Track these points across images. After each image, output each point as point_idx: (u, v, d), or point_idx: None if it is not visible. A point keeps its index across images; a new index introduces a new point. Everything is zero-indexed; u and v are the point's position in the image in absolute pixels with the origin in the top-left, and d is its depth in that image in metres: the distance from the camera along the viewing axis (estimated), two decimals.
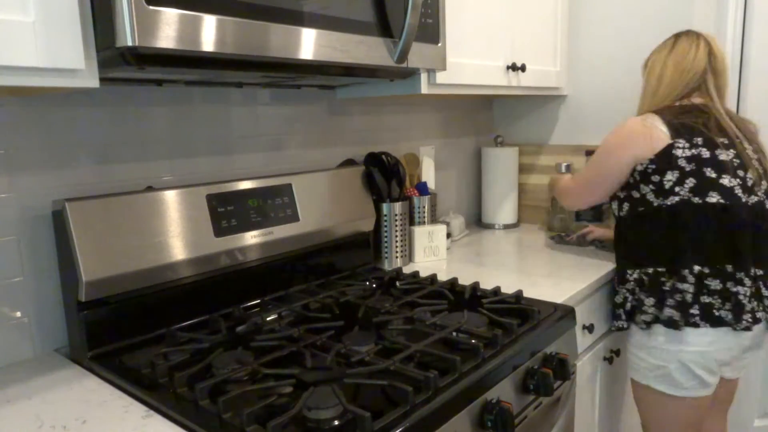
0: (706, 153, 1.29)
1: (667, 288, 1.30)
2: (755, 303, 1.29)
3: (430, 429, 0.84)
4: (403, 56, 1.13)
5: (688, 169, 1.28)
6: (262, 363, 0.95)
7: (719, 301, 1.27)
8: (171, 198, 1.13)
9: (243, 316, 1.20)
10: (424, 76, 1.36)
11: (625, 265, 1.41)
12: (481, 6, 1.56)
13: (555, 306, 1.25)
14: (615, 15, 1.92)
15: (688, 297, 1.28)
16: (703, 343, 1.29)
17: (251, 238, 1.24)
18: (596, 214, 1.82)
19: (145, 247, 1.07)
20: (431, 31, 1.22)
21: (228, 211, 1.21)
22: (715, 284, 1.27)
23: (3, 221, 1.02)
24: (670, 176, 1.29)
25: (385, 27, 1.11)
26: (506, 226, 2.12)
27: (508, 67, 1.67)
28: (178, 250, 1.12)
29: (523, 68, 1.71)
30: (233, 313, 1.21)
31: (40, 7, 0.72)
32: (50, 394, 0.93)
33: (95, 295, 1.02)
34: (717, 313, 1.27)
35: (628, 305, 1.39)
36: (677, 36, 1.43)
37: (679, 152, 1.28)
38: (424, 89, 1.37)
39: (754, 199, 1.30)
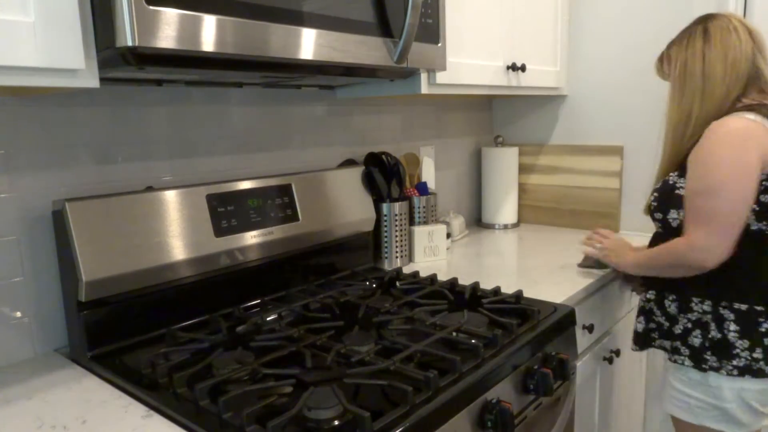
0: None
1: (764, 330, 1.11)
2: None
3: (430, 429, 0.84)
4: (403, 56, 1.13)
5: None
6: (262, 363, 0.95)
7: None
8: (171, 198, 1.13)
9: (243, 316, 1.20)
10: (424, 76, 1.36)
11: (690, 291, 1.18)
12: (481, 6, 1.56)
13: (555, 306, 1.25)
14: (615, 15, 1.92)
15: None
16: (755, 385, 1.15)
17: (251, 238, 1.24)
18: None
19: (145, 247, 1.07)
20: (431, 31, 1.22)
21: (228, 211, 1.21)
22: None
23: (3, 221, 1.02)
24: None
25: (385, 27, 1.11)
26: (506, 226, 2.12)
27: (508, 67, 1.67)
28: (178, 250, 1.12)
29: (523, 68, 1.71)
30: (233, 313, 1.21)
31: (40, 7, 0.72)
32: (50, 394, 0.93)
33: (95, 295, 1.02)
34: None
35: (693, 341, 1.18)
36: (703, 22, 1.21)
37: None
38: (424, 89, 1.37)
39: None
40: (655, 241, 1.28)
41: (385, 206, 1.58)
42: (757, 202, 1.10)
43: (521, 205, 2.20)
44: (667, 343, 1.26)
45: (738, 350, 1.13)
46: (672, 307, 1.24)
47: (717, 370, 1.16)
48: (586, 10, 1.97)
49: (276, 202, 1.30)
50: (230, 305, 1.24)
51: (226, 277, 1.23)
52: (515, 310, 1.22)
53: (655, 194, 1.26)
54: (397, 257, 1.61)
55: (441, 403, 0.86)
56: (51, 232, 1.07)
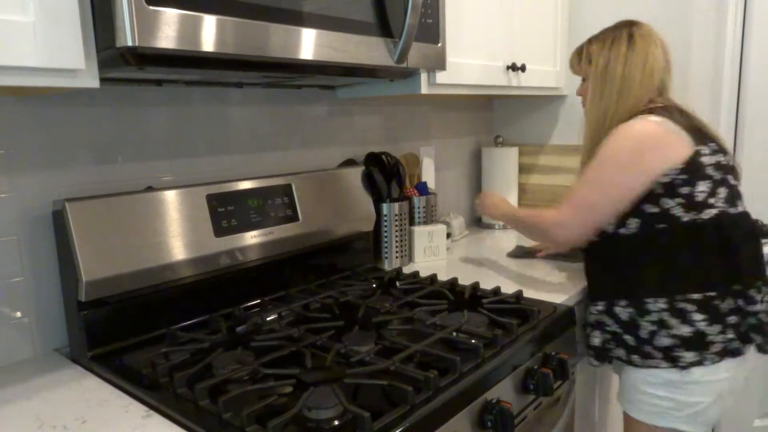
0: (724, 159, 1.18)
1: (725, 311, 1.14)
2: None
3: (430, 429, 0.84)
4: (403, 56, 1.13)
5: (717, 177, 1.15)
6: (262, 363, 0.95)
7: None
8: (171, 198, 1.13)
9: (243, 316, 1.20)
10: (424, 76, 1.36)
11: (641, 293, 1.18)
12: (481, 6, 1.56)
13: (555, 306, 1.25)
14: (615, 15, 1.91)
15: (764, 317, 1.13)
16: (730, 369, 1.16)
17: (251, 238, 1.24)
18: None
19: (145, 247, 1.07)
20: (431, 31, 1.22)
21: (228, 211, 1.21)
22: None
23: (3, 221, 1.02)
24: (702, 187, 1.13)
25: (385, 27, 1.11)
26: (506, 227, 2.12)
27: (508, 67, 1.67)
28: (178, 250, 1.12)
29: (523, 68, 1.71)
30: (233, 313, 1.21)
31: (40, 7, 0.72)
32: (50, 394, 0.93)
33: (95, 295, 1.02)
34: None
35: (662, 340, 1.16)
36: (629, 27, 1.28)
37: (705, 159, 1.14)
38: (424, 89, 1.37)
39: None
40: (590, 252, 1.29)
41: (385, 206, 1.58)
42: (681, 195, 1.13)
43: (521, 206, 2.20)
44: (621, 352, 1.23)
45: (712, 336, 1.14)
46: (624, 314, 1.21)
47: (700, 363, 1.15)
48: (586, 10, 1.97)
49: (276, 202, 1.30)
50: (230, 305, 1.24)
51: (226, 277, 1.23)
52: (515, 310, 1.22)
53: None
54: (397, 257, 1.61)
55: (441, 403, 0.86)
56: (51, 232, 1.07)
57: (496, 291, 1.32)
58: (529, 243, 1.76)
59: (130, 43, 0.75)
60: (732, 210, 1.16)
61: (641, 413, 1.23)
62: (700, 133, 1.18)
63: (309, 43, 0.97)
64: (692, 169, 1.13)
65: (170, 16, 0.78)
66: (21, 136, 1.03)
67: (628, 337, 1.21)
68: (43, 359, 1.06)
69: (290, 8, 0.93)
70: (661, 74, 1.26)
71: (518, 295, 1.28)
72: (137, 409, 0.86)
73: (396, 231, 1.60)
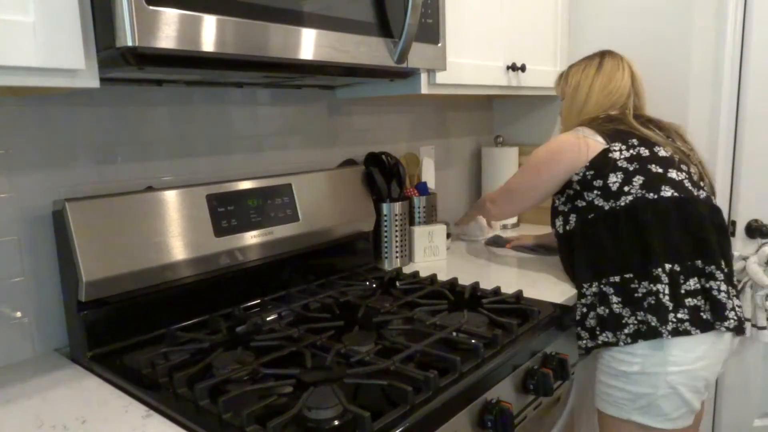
0: (645, 151, 1.28)
1: (640, 294, 1.19)
2: (735, 301, 1.21)
3: (430, 429, 0.84)
4: (403, 56, 1.13)
5: (631, 168, 1.26)
6: (262, 363, 0.95)
7: (702, 301, 1.18)
8: (171, 198, 1.13)
9: (243, 316, 1.20)
10: (424, 76, 1.36)
11: (580, 280, 1.30)
12: (481, 6, 1.56)
13: (555, 306, 1.25)
14: (615, 15, 1.92)
15: (666, 300, 1.16)
16: (689, 360, 1.16)
17: (251, 238, 1.24)
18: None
19: (145, 247, 1.07)
20: (431, 31, 1.22)
21: (228, 211, 1.21)
22: (691, 283, 1.18)
23: (3, 221, 1.02)
24: (614, 178, 1.26)
25: (385, 27, 1.11)
26: (506, 227, 2.12)
27: (508, 67, 1.67)
28: (178, 250, 1.12)
29: (523, 68, 1.71)
30: (233, 313, 1.21)
31: (40, 7, 0.72)
32: (50, 394, 0.93)
33: (95, 295, 1.02)
34: (704, 316, 1.17)
35: (589, 323, 1.25)
36: (602, 55, 1.45)
37: (616, 155, 1.27)
38: (424, 89, 1.37)
39: (702, 194, 1.27)
40: (566, 246, 1.40)
41: (385, 206, 1.58)
42: (596, 187, 1.28)
43: None
44: (579, 332, 1.30)
45: (625, 319, 1.21)
46: (575, 301, 1.33)
47: (615, 344, 1.21)
48: (586, 10, 1.97)
49: (276, 202, 1.30)
50: (230, 305, 1.24)
51: (226, 277, 1.23)
52: (515, 310, 1.22)
53: (560, 222, 1.42)
54: (397, 257, 1.61)
55: (441, 403, 0.86)
56: (51, 232, 1.07)
57: (496, 291, 1.32)
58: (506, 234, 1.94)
59: (130, 43, 0.75)
60: (651, 195, 1.24)
61: (601, 403, 1.29)
62: (618, 133, 1.31)
63: (309, 43, 0.97)
64: (601, 164, 1.28)
65: (170, 16, 0.78)
66: (21, 136, 1.03)
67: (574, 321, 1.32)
68: (43, 359, 1.06)
69: (290, 8, 0.93)
70: (621, 96, 1.41)
71: (518, 295, 1.28)
72: (137, 409, 0.86)
73: (396, 231, 1.60)
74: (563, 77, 1.52)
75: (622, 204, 1.24)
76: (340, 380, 0.88)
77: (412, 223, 1.68)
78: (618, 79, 1.40)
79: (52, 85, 0.76)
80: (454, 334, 1.07)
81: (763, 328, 1.26)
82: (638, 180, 1.25)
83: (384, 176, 1.58)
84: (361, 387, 0.90)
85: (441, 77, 1.39)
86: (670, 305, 1.17)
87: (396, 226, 1.60)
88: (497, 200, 1.53)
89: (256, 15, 0.88)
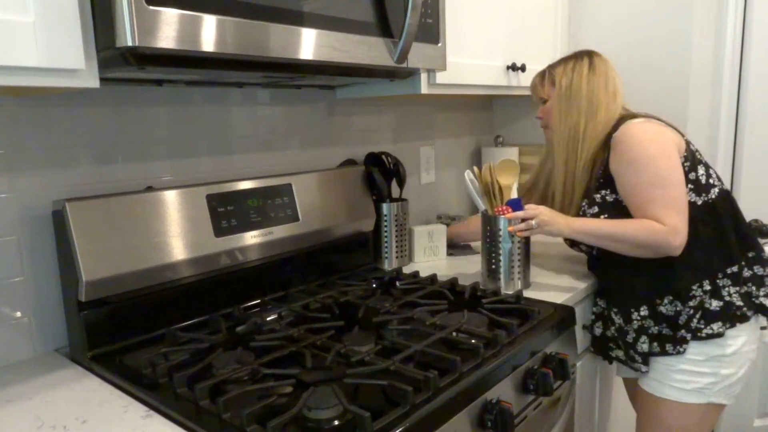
0: (693, 147, 1.30)
1: (747, 278, 1.25)
2: None
3: (430, 429, 0.84)
4: (403, 56, 1.13)
5: (704, 161, 1.27)
6: (262, 363, 0.95)
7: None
8: (171, 198, 1.13)
9: (243, 316, 1.20)
10: (424, 76, 1.36)
11: (684, 283, 1.22)
12: (481, 6, 1.56)
13: (555, 306, 1.25)
14: (615, 15, 1.92)
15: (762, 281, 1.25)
16: (756, 339, 1.27)
17: (251, 238, 1.24)
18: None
19: (145, 247, 1.07)
20: (431, 31, 1.22)
21: (228, 211, 1.21)
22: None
23: (3, 221, 1.02)
24: (702, 170, 1.24)
25: (385, 27, 1.11)
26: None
27: (508, 67, 1.67)
28: (178, 250, 1.12)
29: (523, 68, 1.71)
30: (233, 313, 1.21)
31: (40, 7, 0.72)
32: (50, 394, 0.93)
33: (95, 295, 1.02)
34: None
35: (695, 321, 1.22)
36: (589, 55, 1.36)
37: (693, 147, 1.27)
38: (424, 89, 1.37)
39: None
40: (611, 261, 1.29)
41: (384, 206, 1.58)
42: (690, 180, 1.23)
43: None
44: (669, 346, 1.26)
45: (742, 308, 1.22)
46: (670, 310, 1.26)
47: (721, 335, 1.21)
48: (585, 9, 1.97)
49: (276, 202, 1.30)
50: (230, 305, 1.24)
51: (226, 277, 1.23)
52: (515, 310, 1.22)
53: (604, 216, 1.28)
54: (397, 257, 1.61)
55: (441, 403, 0.86)
56: (51, 232, 1.07)
57: (496, 291, 1.32)
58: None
59: (130, 43, 0.75)
60: (725, 187, 1.27)
61: (679, 393, 1.26)
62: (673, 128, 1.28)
63: (309, 43, 0.97)
64: (690, 156, 1.24)
65: (170, 16, 0.78)
66: (21, 136, 1.03)
67: (667, 332, 1.26)
68: (43, 359, 1.06)
69: (290, 8, 0.93)
70: (620, 96, 1.34)
71: (518, 295, 1.28)
72: (137, 409, 0.86)
73: (396, 231, 1.60)
74: (544, 78, 1.41)
75: (713, 197, 1.23)
76: (340, 380, 0.88)
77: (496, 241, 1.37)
78: (613, 77, 1.34)
79: (52, 85, 0.76)
80: (454, 334, 1.07)
81: (764, 328, 1.28)
82: (713, 173, 1.26)
83: (384, 176, 1.58)
84: (361, 387, 0.90)
85: (441, 77, 1.39)
86: (761, 288, 1.24)
87: (396, 226, 1.60)
88: (678, 226, 1.17)
89: (256, 15, 0.88)
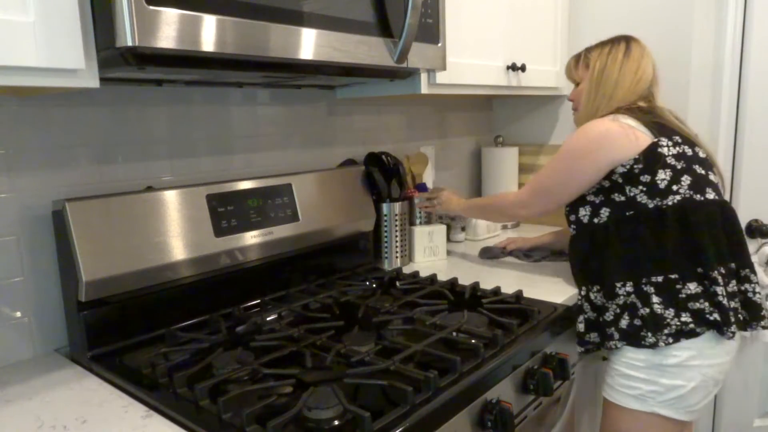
0: (689, 151, 1.24)
1: (684, 295, 1.17)
2: (766, 303, 1.24)
3: (430, 429, 0.84)
4: (403, 56, 1.13)
5: (679, 166, 1.22)
6: (262, 363, 0.95)
7: (739, 303, 1.21)
8: (171, 198, 1.13)
9: (243, 316, 1.20)
10: (424, 76, 1.36)
11: (612, 278, 1.24)
12: (481, 6, 1.56)
13: (555, 306, 1.25)
14: (615, 15, 1.92)
15: (722, 300, 1.16)
16: (721, 354, 1.19)
17: (251, 238, 1.24)
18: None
19: (145, 247, 1.07)
20: (431, 31, 1.22)
21: (228, 211, 1.21)
22: (732, 285, 1.20)
23: (3, 221, 1.02)
24: (663, 175, 1.21)
25: (385, 27, 1.11)
26: (506, 227, 2.12)
27: (508, 67, 1.67)
28: (178, 250, 1.12)
29: (523, 68, 1.71)
30: (233, 313, 1.21)
31: (40, 7, 0.72)
32: (50, 394, 0.93)
33: (95, 295, 1.02)
34: (741, 317, 1.21)
35: (624, 322, 1.21)
36: (626, 39, 1.36)
37: (664, 150, 1.22)
38: (424, 89, 1.37)
39: (726, 197, 1.30)
40: (572, 244, 1.36)
41: (384, 206, 1.58)
42: (642, 183, 1.22)
43: None
44: (594, 336, 1.27)
45: (667, 320, 1.17)
46: (598, 299, 1.26)
47: (654, 345, 1.17)
48: (585, 10, 1.97)
49: (276, 202, 1.30)
50: (230, 305, 1.24)
51: (226, 277, 1.23)
52: (515, 310, 1.22)
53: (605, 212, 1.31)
54: (397, 257, 1.61)
55: (441, 403, 0.86)
56: (51, 232, 1.07)
57: (496, 291, 1.32)
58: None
59: (130, 43, 0.75)
60: (698, 197, 1.21)
61: (621, 396, 1.24)
62: (661, 127, 1.25)
63: (309, 43, 0.97)
64: (650, 159, 1.21)
65: (170, 16, 0.78)
66: (21, 136, 1.03)
67: (600, 321, 1.26)
68: (43, 359, 1.06)
69: (290, 8, 0.93)
70: (647, 84, 1.34)
71: (518, 295, 1.28)
72: (137, 409, 0.86)
73: (396, 231, 1.60)
74: (579, 61, 1.42)
75: (670, 203, 1.20)
76: (340, 380, 0.88)
77: (412, 223, 1.68)
78: (645, 66, 1.33)
79: (53, 85, 0.76)
80: (454, 334, 1.07)
81: (765, 327, 1.27)
82: (686, 180, 1.21)
83: (384, 176, 1.58)
84: (361, 387, 0.90)
85: (441, 77, 1.39)
86: (714, 306, 1.16)
87: (396, 226, 1.60)
88: (527, 200, 1.39)
89: (256, 15, 0.88)
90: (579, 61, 1.42)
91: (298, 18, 0.95)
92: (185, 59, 0.88)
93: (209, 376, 0.91)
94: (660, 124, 1.26)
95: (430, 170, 1.93)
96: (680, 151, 1.23)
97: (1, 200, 1.02)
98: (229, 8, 0.85)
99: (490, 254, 1.72)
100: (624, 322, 1.21)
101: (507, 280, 1.47)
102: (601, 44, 1.39)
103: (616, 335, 1.22)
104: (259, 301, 1.30)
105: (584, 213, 1.30)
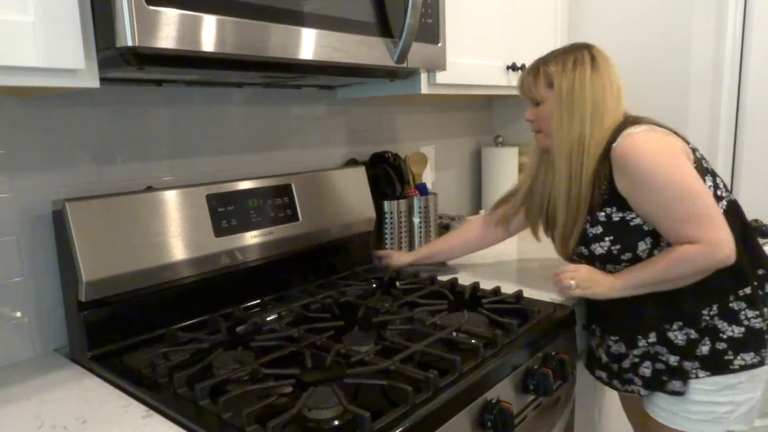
0: (699, 154, 1.18)
1: (763, 296, 1.13)
2: None
3: (430, 429, 0.84)
4: (403, 56, 1.13)
5: (710, 169, 1.16)
6: (262, 363, 0.95)
7: None
8: (171, 198, 1.13)
9: (243, 316, 1.20)
10: (424, 76, 1.36)
11: (694, 308, 1.13)
12: (481, 6, 1.56)
13: (555, 306, 1.25)
14: (614, 15, 1.92)
15: None
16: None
17: (251, 238, 1.24)
18: None
19: (145, 247, 1.07)
20: (431, 31, 1.22)
21: (228, 211, 1.21)
22: None
23: (3, 221, 1.02)
24: (709, 181, 1.12)
25: (385, 27, 1.11)
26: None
27: (508, 67, 1.67)
28: (178, 250, 1.12)
29: (522, 68, 1.71)
30: (233, 313, 1.21)
31: (40, 7, 0.72)
32: (50, 394, 0.93)
33: (95, 295, 1.02)
34: None
35: (705, 348, 1.13)
36: (588, 48, 1.20)
37: (699, 154, 1.15)
38: (424, 89, 1.37)
39: None
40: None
41: (387, 204, 1.60)
42: None
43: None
44: (677, 384, 1.17)
45: (764, 331, 1.14)
46: (679, 337, 1.16)
47: (761, 363, 1.13)
48: (585, 10, 1.97)
49: (276, 202, 1.30)
50: (230, 305, 1.24)
51: (226, 277, 1.23)
52: (515, 310, 1.22)
53: (609, 238, 1.16)
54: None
55: (441, 403, 0.86)
56: (51, 232, 1.07)
57: (496, 291, 1.32)
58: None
59: (130, 43, 0.75)
60: (732, 197, 1.16)
61: (694, 424, 1.17)
62: (677, 134, 1.16)
63: (309, 43, 0.97)
64: (698, 166, 1.12)
65: (170, 16, 0.78)
66: (21, 136, 1.03)
67: (675, 362, 1.16)
68: (43, 359, 1.06)
69: (290, 8, 0.93)
70: (623, 93, 1.20)
71: (518, 295, 1.28)
72: (137, 409, 0.86)
73: (398, 229, 1.61)
74: (539, 77, 1.23)
75: (724, 209, 1.11)
76: (340, 380, 0.88)
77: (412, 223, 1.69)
78: (616, 74, 1.19)
79: (53, 85, 0.76)
80: (454, 334, 1.07)
81: None
82: (720, 182, 1.15)
83: (387, 175, 1.59)
84: (361, 387, 0.90)
85: (441, 77, 1.39)
86: None
87: (400, 223, 1.61)
88: (718, 236, 1.07)
89: (256, 15, 0.88)
90: (538, 78, 1.23)
91: (298, 18, 0.95)
92: (185, 59, 0.88)
93: (209, 376, 0.91)
94: (672, 131, 1.17)
95: (429, 170, 1.93)
96: (699, 155, 1.17)
97: (1, 200, 1.02)
98: (229, 8, 0.85)
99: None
100: (705, 349, 1.13)
101: (507, 280, 1.47)
102: (561, 57, 1.21)
103: (701, 373, 1.14)
104: (259, 301, 1.30)
105: (644, 247, 1.14)
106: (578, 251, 1.22)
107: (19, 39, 0.70)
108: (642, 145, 1.09)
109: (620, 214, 1.15)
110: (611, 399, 1.64)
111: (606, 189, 1.15)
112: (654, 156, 1.09)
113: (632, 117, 1.18)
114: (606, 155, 1.13)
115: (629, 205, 1.13)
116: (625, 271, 1.17)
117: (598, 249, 1.18)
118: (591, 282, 1.19)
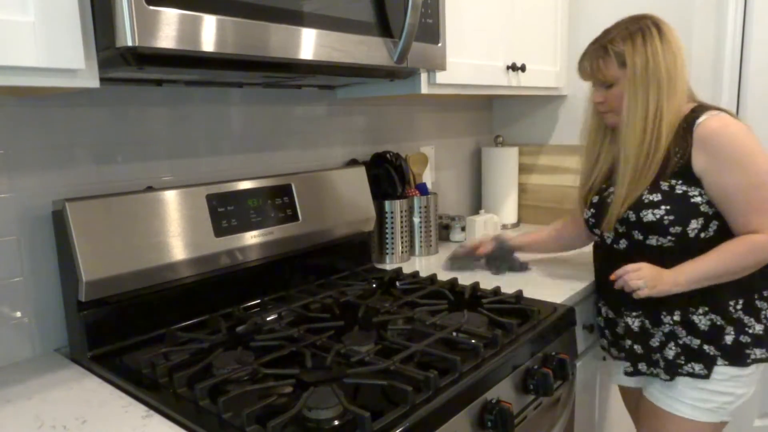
0: None
1: None
2: None
3: (430, 429, 0.84)
4: (403, 56, 1.13)
5: None
6: (262, 363, 0.95)
7: None
8: (171, 198, 1.13)
9: (243, 316, 1.20)
10: (424, 76, 1.36)
11: (723, 297, 1.15)
12: (481, 6, 1.56)
13: (555, 306, 1.25)
14: (615, 15, 1.92)
15: None
16: None
17: (251, 238, 1.24)
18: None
19: (145, 247, 1.07)
20: (431, 31, 1.22)
21: (228, 211, 1.21)
22: None
23: (3, 221, 1.02)
24: None
25: (385, 27, 1.11)
26: (506, 226, 2.12)
27: (508, 67, 1.67)
28: (178, 250, 1.12)
29: (523, 68, 1.71)
30: (233, 313, 1.21)
31: (40, 7, 0.72)
32: (50, 394, 0.93)
33: (95, 295, 1.02)
34: None
35: (729, 339, 1.15)
36: (651, 19, 1.19)
37: None
38: (424, 89, 1.37)
39: None
40: (658, 256, 1.18)
41: (388, 203, 1.60)
42: None
43: (521, 205, 2.20)
44: (697, 366, 1.18)
45: None
46: (702, 321, 1.17)
47: (765, 360, 1.17)
48: (585, 10, 1.97)
49: (276, 202, 1.30)
50: (230, 305, 1.24)
51: (226, 277, 1.23)
52: (515, 310, 1.22)
53: (666, 207, 1.15)
54: (402, 253, 1.64)
55: (441, 403, 0.86)
56: (51, 232, 1.07)
57: (496, 291, 1.32)
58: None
59: (130, 43, 0.75)
60: None
61: (691, 410, 1.19)
62: None
63: (309, 43, 0.97)
64: None
65: (170, 16, 0.78)
66: (21, 136, 1.03)
67: (707, 348, 1.17)
68: (43, 359, 1.06)
69: (290, 8, 0.93)
70: (686, 72, 1.20)
71: (518, 295, 1.28)
72: (137, 409, 0.86)
73: (399, 228, 1.61)
74: (609, 58, 1.20)
75: None
76: (340, 380, 0.88)
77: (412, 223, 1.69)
78: (681, 45, 1.17)
79: (53, 85, 0.76)
80: (454, 334, 1.07)
81: None
82: None
83: (388, 175, 1.59)
84: (361, 387, 0.90)
85: (441, 77, 1.39)
86: None
87: (400, 223, 1.61)
88: None
89: (256, 15, 0.88)
90: (607, 58, 1.20)
91: (298, 18, 0.95)
92: (185, 59, 0.88)
93: (209, 376, 0.91)
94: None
95: (429, 170, 1.93)
96: None
97: (1, 200, 1.02)
98: (229, 8, 0.85)
99: (458, 265, 1.56)
100: (729, 339, 1.15)
101: (507, 280, 1.47)
102: (626, 31, 1.19)
103: (723, 361, 1.16)
104: (259, 301, 1.30)
105: (695, 226, 1.14)
106: (624, 216, 1.20)
107: (19, 39, 0.70)
108: (733, 128, 1.11)
109: (684, 188, 1.15)
110: (611, 399, 1.64)
111: (678, 162, 1.15)
112: (744, 140, 1.11)
113: (699, 102, 1.19)
114: (687, 129, 1.14)
115: (701, 183, 1.13)
116: (683, 265, 1.16)
117: (649, 216, 1.16)
118: (656, 280, 1.16)
